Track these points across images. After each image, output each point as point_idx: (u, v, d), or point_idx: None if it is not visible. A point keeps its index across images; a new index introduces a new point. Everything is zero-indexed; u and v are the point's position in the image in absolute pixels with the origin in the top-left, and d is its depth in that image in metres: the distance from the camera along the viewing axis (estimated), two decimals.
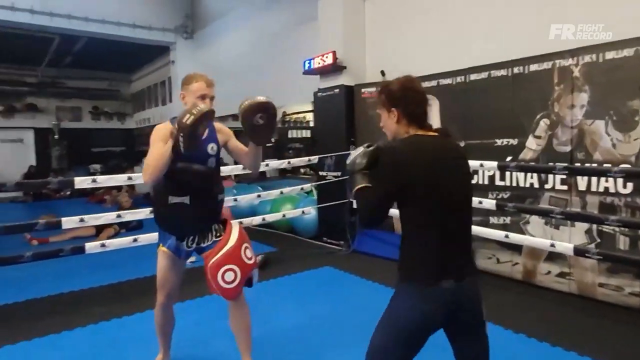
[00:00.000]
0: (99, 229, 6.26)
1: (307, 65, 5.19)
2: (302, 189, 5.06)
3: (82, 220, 3.23)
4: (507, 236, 3.43)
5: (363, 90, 4.97)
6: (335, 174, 5.08)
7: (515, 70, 3.66)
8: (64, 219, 3.21)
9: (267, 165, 4.70)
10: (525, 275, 3.74)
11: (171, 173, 1.98)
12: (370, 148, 1.54)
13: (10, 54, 10.23)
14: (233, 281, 2.04)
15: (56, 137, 12.65)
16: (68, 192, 11.53)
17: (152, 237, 3.68)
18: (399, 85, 1.51)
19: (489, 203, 3.53)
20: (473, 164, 3.71)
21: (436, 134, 1.51)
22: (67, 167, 12.44)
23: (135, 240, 3.53)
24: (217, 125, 2.18)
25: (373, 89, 4.88)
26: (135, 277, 4.06)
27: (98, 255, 3.67)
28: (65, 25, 7.92)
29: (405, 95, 1.49)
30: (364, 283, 3.87)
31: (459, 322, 1.45)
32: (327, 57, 4.90)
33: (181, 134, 1.82)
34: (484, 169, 3.60)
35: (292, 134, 9.30)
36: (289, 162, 5.17)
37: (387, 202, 1.42)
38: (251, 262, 2.11)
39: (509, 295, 3.50)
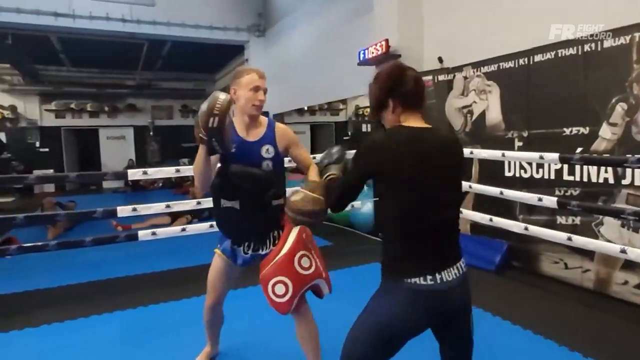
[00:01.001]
0: (174, 218, 6.77)
1: (361, 55, 5.04)
2: None
3: (134, 209, 3.48)
4: (570, 239, 3.00)
5: None
6: None
7: (586, 47, 3.17)
8: (119, 208, 3.50)
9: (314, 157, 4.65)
10: (598, 284, 3.25)
11: (224, 175, 1.92)
12: (342, 148, 1.58)
13: (112, 60, 11.44)
14: (285, 294, 1.84)
15: (151, 133, 13.93)
16: (160, 184, 12.72)
17: (201, 227, 3.89)
18: (387, 75, 1.45)
19: (550, 201, 3.11)
20: (531, 156, 3.32)
21: (428, 126, 1.44)
22: (160, 161, 13.63)
23: (183, 229, 3.72)
24: (280, 127, 2.04)
25: (429, 77, 4.59)
26: (189, 265, 4.28)
27: (170, 240, 3.95)
28: (150, 31, 8.63)
29: (395, 84, 1.42)
30: None
31: (447, 320, 1.40)
32: (380, 45, 4.70)
33: (213, 139, 1.68)
34: (544, 161, 3.18)
35: (366, 127, 9.18)
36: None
37: (353, 187, 1.43)
38: (309, 272, 1.87)
39: (578, 307, 3.08)
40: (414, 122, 1.42)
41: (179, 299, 3.39)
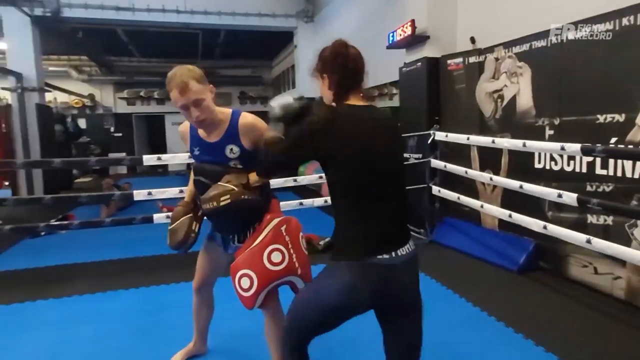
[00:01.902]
0: None
1: (390, 38, 4.81)
2: None
3: (149, 193, 3.66)
4: (589, 241, 2.64)
5: (449, 61, 4.38)
6: (417, 155, 4.65)
7: (624, 21, 2.73)
8: (135, 192, 3.71)
9: None
10: (629, 293, 2.86)
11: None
12: (301, 102, 1.42)
13: (174, 50, 12.06)
14: (249, 289, 1.73)
15: None
16: None
17: None
18: (330, 50, 1.42)
19: (570, 197, 2.76)
20: (552, 146, 2.98)
21: (367, 104, 1.42)
22: None
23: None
24: (245, 121, 1.80)
25: (460, 60, 4.26)
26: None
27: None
28: (203, 21, 8.96)
29: (336, 61, 1.39)
30: (428, 282, 3.39)
31: (392, 302, 1.36)
32: (406, 27, 4.44)
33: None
34: (565, 152, 2.82)
35: None
36: None
37: (293, 164, 1.45)
38: (278, 268, 1.72)
39: (606, 319, 2.72)
40: (356, 100, 1.40)
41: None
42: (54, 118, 9.81)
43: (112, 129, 14.42)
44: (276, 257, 1.73)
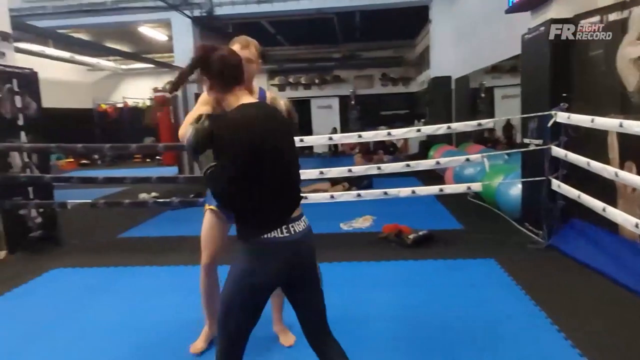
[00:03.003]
0: (333, 184, 7.14)
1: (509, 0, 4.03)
2: (479, 158, 4.04)
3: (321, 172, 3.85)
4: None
5: (582, 22, 3.46)
6: (537, 141, 3.86)
7: None
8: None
9: (448, 127, 4.04)
10: None
11: None
12: (202, 124, 1.43)
13: (314, 37, 12.54)
14: None
15: (352, 102, 14.76)
16: (357, 150, 13.47)
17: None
18: (195, 55, 1.49)
19: None
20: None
21: (254, 101, 1.55)
22: (360, 129, 14.37)
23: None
24: (269, 97, 2.08)
25: (596, 18, 3.34)
26: None
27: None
28: (335, 4, 9.03)
29: (216, 61, 1.48)
30: (520, 303, 2.72)
31: (295, 273, 1.51)
32: None
33: None
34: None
35: None
36: (448, 127, 4.11)
37: (236, 183, 1.42)
38: None
39: None
40: (245, 98, 1.50)
41: None
42: None
43: None
44: None
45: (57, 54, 12.21)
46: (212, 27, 9.80)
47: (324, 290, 1.60)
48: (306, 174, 3.67)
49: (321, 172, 3.58)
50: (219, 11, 9.29)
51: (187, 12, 9.13)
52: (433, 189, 3.88)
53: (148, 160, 14.00)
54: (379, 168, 3.72)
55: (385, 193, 3.66)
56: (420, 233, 3.95)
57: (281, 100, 2.18)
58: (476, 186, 3.84)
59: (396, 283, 3.13)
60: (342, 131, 14.08)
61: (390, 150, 11.44)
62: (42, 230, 4.51)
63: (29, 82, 4.50)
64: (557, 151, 3.49)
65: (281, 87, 15.52)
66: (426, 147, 9.48)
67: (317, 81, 15.03)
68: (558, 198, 3.64)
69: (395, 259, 3.58)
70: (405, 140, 12.14)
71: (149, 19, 9.77)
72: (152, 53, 13.64)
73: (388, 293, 2.96)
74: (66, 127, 12.67)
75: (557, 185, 3.51)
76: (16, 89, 4.31)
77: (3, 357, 2.40)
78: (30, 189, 4.39)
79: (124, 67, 15.50)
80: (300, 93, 15.52)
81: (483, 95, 10.46)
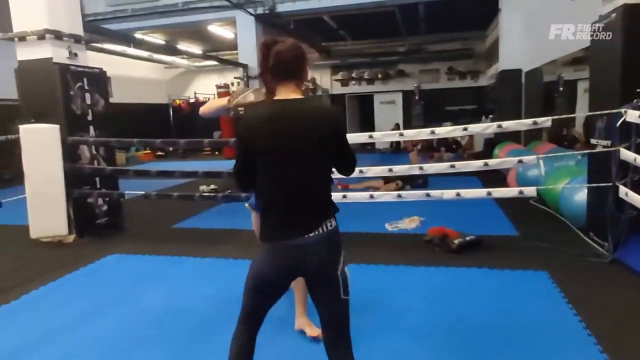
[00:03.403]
0: (386, 182, 6.99)
1: None
2: (537, 161, 3.68)
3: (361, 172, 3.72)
4: None
5: None
6: (605, 142, 3.46)
7: None
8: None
9: (499, 126, 3.75)
10: None
11: None
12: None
13: (378, 31, 12.30)
14: None
15: (416, 97, 14.32)
16: (419, 147, 13.07)
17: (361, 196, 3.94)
18: (259, 50, 1.55)
19: None
20: None
21: (298, 97, 1.50)
22: (423, 125, 13.92)
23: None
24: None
25: None
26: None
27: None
28: None
29: (267, 57, 1.49)
30: (568, 325, 2.44)
31: (307, 276, 1.54)
32: None
33: None
34: None
35: None
36: (498, 125, 3.69)
37: (242, 166, 1.52)
38: None
39: None
40: (285, 93, 1.49)
41: None
42: None
43: None
44: None
45: (137, 54, 13.20)
46: (274, 24, 9.99)
47: (350, 299, 1.55)
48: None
49: (361, 172, 3.48)
50: (280, 8, 9.44)
51: (251, 10, 9.38)
52: (479, 192, 3.63)
53: (217, 153, 14.68)
54: (420, 168, 3.54)
55: (428, 195, 3.48)
56: (467, 238, 3.72)
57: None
58: (530, 191, 3.51)
59: (435, 290, 2.98)
60: (405, 127, 13.74)
61: (453, 147, 10.94)
62: (107, 217, 4.90)
63: (97, 80, 4.88)
64: (627, 154, 3.10)
65: (344, 82, 15.48)
66: (492, 145, 8.93)
67: (380, 76, 14.79)
68: (627, 207, 3.23)
69: (436, 265, 3.41)
70: (471, 137, 11.54)
71: (215, 17, 10.18)
72: (222, 50, 14.26)
73: (426, 300, 2.82)
74: (145, 121, 13.76)
75: (624, 192, 3.12)
76: (86, 87, 4.69)
77: (60, 331, 2.64)
78: (97, 179, 4.80)
79: (196, 64, 16.36)
80: (363, 88, 15.37)
81: (561, 89, 9.60)
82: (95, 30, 9.59)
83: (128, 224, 5.03)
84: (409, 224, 4.54)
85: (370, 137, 3.64)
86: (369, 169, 3.60)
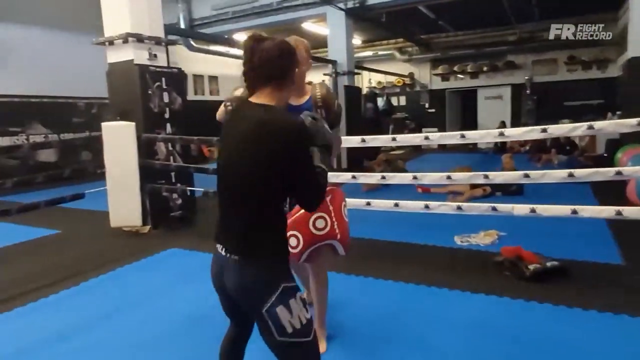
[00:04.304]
0: (472, 187, 6.26)
1: None
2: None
3: (414, 177, 3.50)
4: None
5: None
6: None
7: None
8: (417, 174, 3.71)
9: (589, 127, 2.98)
10: None
11: None
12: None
13: (483, 20, 11.16)
14: (296, 247, 2.09)
15: (527, 92, 12.77)
16: (527, 147, 11.61)
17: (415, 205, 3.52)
18: (248, 40, 1.42)
19: None
20: None
21: (265, 102, 1.37)
22: (535, 122, 12.39)
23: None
24: (320, 93, 2.05)
25: None
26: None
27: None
28: None
29: (253, 54, 1.39)
30: None
31: (225, 290, 1.42)
32: None
33: None
34: None
35: None
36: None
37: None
38: (322, 232, 2.09)
39: None
40: (257, 97, 1.39)
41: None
42: (366, 97, 11.21)
43: (426, 105, 15.08)
44: (320, 223, 2.09)
45: (239, 54, 13.91)
46: (365, 18, 9.67)
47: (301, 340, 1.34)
48: (399, 177, 3.22)
49: (414, 177, 3.05)
50: (371, 0, 9.07)
51: (341, 5, 9.18)
52: (562, 210, 2.91)
53: None
54: (485, 177, 2.97)
55: (494, 209, 2.91)
56: (548, 264, 3.05)
57: (318, 88, 2.10)
58: (632, 212, 2.70)
59: (485, 328, 2.45)
60: (513, 125, 12.37)
61: (567, 149, 9.48)
62: (181, 211, 5.13)
63: (176, 80, 5.12)
64: None
65: (444, 77, 14.50)
66: (615, 147, 7.52)
67: (485, 69, 13.52)
68: None
69: (499, 294, 2.82)
70: (592, 137, 9.91)
71: (308, 14, 10.20)
72: (319, 48, 14.35)
73: (465, 341, 2.33)
74: None
75: None
76: (164, 86, 4.94)
77: (112, 314, 2.82)
78: (172, 174, 5.04)
79: None
80: (466, 83, 14.23)
81: None
82: (196, 36, 10.32)
83: (199, 219, 5.21)
84: (483, 238, 3.93)
85: (426, 138, 3.17)
86: (424, 174, 3.11)
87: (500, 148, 12.10)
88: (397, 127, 14.26)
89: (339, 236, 2.12)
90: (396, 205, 3.18)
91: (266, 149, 1.25)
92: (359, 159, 9.51)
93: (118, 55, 4.83)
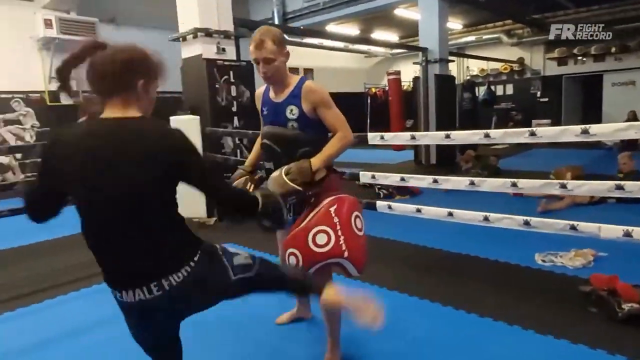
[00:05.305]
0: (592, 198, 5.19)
1: None
2: None
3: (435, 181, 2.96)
4: None
5: None
6: None
7: None
8: (361, 173, 3.30)
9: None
10: None
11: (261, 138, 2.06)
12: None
13: None
14: (296, 266, 1.85)
15: None
16: None
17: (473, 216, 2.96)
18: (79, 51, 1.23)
19: None
20: None
21: (124, 116, 1.17)
22: None
23: (419, 210, 2.96)
24: (308, 86, 1.90)
25: None
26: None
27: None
28: None
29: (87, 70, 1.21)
30: None
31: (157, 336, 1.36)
32: None
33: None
34: None
35: None
36: None
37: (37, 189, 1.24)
38: (322, 250, 1.77)
39: None
40: (110, 111, 1.18)
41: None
42: (463, 86, 10.26)
43: (538, 94, 13.37)
44: (321, 239, 1.77)
45: (333, 45, 13.82)
46: (462, 0, 8.78)
47: None
48: (419, 179, 2.72)
49: (435, 181, 2.50)
50: None
51: None
52: None
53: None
54: (563, 186, 2.30)
55: (573, 228, 2.25)
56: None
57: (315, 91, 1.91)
58: None
59: None
60: None
61: None
62: None
63: (243, 73, 5.10)
64: None
65: (561, 61, 12.67)
66: None
67: (614, 50, 11.45)
68: None
69: (576, 340, 2.18)
70: None
71: (398, 0, 9.64)
72: (414, 36, 13.56)
73: None
74: (341, 109, 14.35)
75: None
76: (232, 79, 4.96)
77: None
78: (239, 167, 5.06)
79: (392, 51, 16.11)
80: (589, 67, 12.26)
81: None
82: (288, 31, 10.38)
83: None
84: (572, 259, 3.19)
85: (448, 137, 2.59)
86: (522, 180, 2.43)
87: (629, 144, 10.18)
88: (501, 118, 12.92)
89: (346, 254, 1.76)
90: (450, 214, 2.68)
91: (150, 161, 1.13)
92: (451, 154, 8.71)
93: (189, 50, 4.95)
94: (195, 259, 1.24)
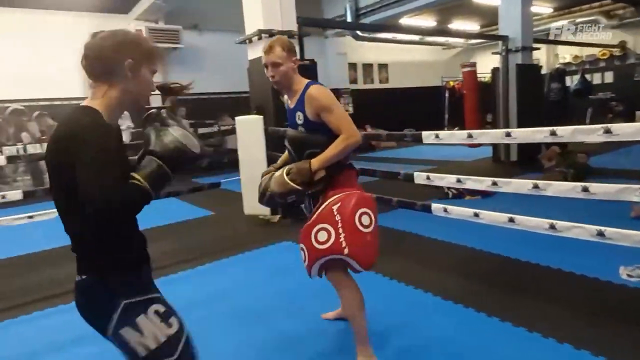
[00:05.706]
0: None
1: None
2: None
3: (428, 178, 2.98)
4: None
5: None
6: None
7: None
8: (416, 174, 3.12)
9: None
10: None
11: None
12: None
13: None
14: (305, 260, 1.97)
15: None
16: None
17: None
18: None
19: None
20: None
21: (83, 104, 1.18)
22: None
23: (476, 215, 2.72)
24: (310, 92, 1.94)
25: None
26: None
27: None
28: None
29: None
30: None
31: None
32: None
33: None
34: None
35: None
36: None
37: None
38: (322, 246, 1.84)
39: None
40: (91, 101, 1.19)
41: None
42: (550, 76, 9.38)
43: None
44: (322, 236, 1.84)
45: (406, 38, 13.43)
46: None
47: None
48: (476, 181, 2.46)
49: (494, 183, 2.25)
50: None
51: None
52: None
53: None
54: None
55: None
56: None
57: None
58: None
59: None
60: None
61: None
62: None
63: (306, 72, 5.10)
64: None
65: None
66: None
67: None
68: None
69: None
70: None
71: None
72: (493, 25, 12.66)
73: None
74: (419, 104, 13.94)
75: None
76: None
77: (214, 297, 3.02)
78: None
79: (473, 42, 15.23)
80: None
81: None
82: (350, 27, 10.28)
83: None
84: None
85: (508, 135, 2.30)
86: (594, 185, 2.12)
87: None
88: (597, 110, 11.61)
89: (346, 251, 1.80)
90: (511, 220, 2.43)
91: (61, 148, 1.12)
92: (536, 150, 7.93)
93: (254, 52, 5.09)
94: None
